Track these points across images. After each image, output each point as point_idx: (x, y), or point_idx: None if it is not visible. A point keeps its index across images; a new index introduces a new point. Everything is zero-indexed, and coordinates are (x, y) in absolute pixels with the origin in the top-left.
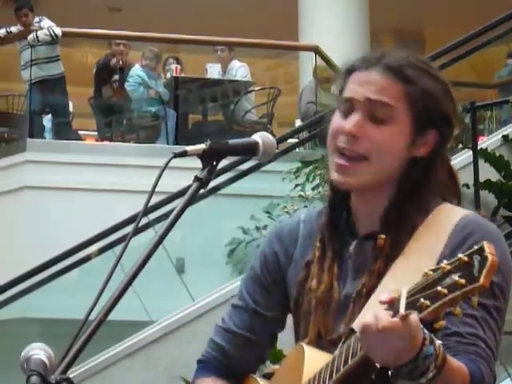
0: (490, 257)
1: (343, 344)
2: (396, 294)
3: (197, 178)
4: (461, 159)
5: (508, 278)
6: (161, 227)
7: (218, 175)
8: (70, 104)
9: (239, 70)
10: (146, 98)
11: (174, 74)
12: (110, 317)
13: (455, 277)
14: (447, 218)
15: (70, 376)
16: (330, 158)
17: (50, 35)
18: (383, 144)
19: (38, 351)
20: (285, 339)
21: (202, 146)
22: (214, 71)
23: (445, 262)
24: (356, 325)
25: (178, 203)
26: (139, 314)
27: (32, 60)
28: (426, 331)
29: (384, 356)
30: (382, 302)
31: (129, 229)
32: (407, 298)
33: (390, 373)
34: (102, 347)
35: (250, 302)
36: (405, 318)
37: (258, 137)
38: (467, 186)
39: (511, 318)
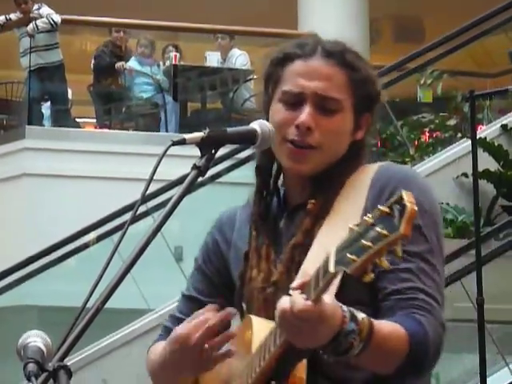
0: (408, 205)
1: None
2: (307, 277)
3: (195, 167)
4: (459, 148)
5: (435, 216)
6: (159, 215)
7: (216, 163)
8: (69, 91)
9: (239, 58)
10: (137, 83)
11: (173, 62)
12: (108, 304)
13: (378, 228)
14: (367, 172)
15: (67, 364)
16: (277, 146)
17: (50, 23)
18: (334, 133)
19: (35, 338)
20: None
21: (200, 134)
22: (213, 59)
23: (368, 215)
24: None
25: (176, 191)
26: (137, 301)
27: (31, 47)
28: (345, 308)
29: (303, 339)
30: (293, 289)
31: (127, 216)
32: (336, 255)
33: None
34: (99, 335)
35: (192, 291)
36: (318, 300)
37: (257, 125)
38: (466, 175)
39: (507, 308)
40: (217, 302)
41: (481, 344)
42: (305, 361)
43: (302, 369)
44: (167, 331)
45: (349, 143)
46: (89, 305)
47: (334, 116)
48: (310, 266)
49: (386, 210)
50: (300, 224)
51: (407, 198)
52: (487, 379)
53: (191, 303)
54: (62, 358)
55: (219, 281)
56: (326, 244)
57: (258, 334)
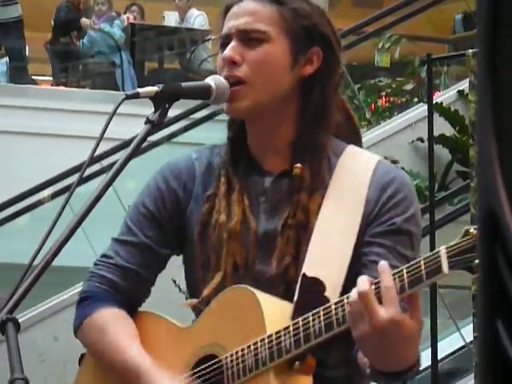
0: None
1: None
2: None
3: (148, 120)
4: (415, 113)
5: (420, 231)
6: (112, 169)
7: (172, 123)
8: (26, 48)
9: (197, 18)
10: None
11: (131, 21)
12: (61, 262)
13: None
14: (361, 160)
15: (19, 321)
16: None
17: None
18: (260, 63)
19: None
20: None
21: (154, 89)
22: (171, 19)
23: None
24: (310, 271)
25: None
26: (90, 260)
27: None
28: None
29: (379, 348)
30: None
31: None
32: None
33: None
34: (52, 292)
35: (141, 237)
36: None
37: (211, 80)
38: (421, 140)
39: (459, 272)
40: (166, 252)
41: (432, 308)
42: None
43: None
44: (111, 284)
45: (295, 79)
46: (39, 260)
47: (260, 47)
48: (317, 253)
49: None
50: (290, 197)
51: None
52: (438, 343)
53: (138, 250)
54: (10, 311)
55: (171, 229)
56: (330, 230)
57: (270, 313)
